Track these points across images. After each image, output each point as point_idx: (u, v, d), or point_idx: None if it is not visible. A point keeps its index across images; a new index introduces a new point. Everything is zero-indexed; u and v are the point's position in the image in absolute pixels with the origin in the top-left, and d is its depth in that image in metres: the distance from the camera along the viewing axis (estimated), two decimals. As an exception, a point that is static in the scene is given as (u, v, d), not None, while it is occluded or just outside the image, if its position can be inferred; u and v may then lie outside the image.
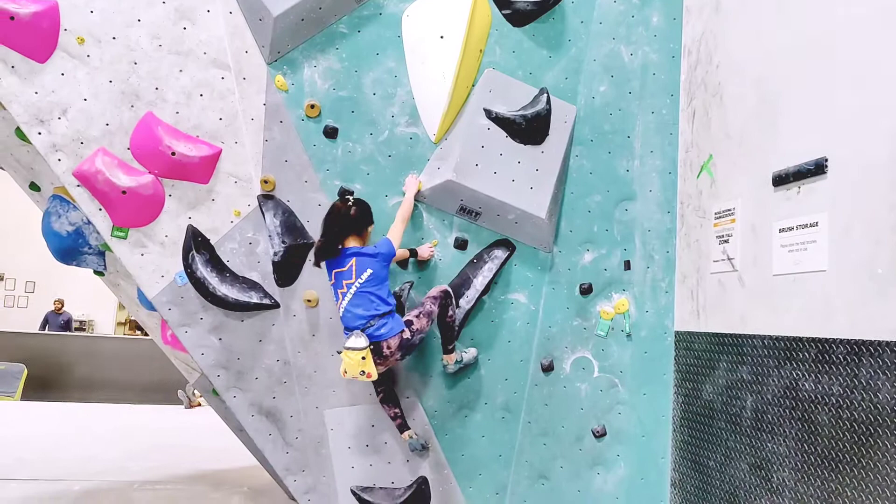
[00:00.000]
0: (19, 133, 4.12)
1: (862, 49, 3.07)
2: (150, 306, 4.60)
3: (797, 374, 3.31)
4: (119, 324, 16.71)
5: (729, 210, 3.90)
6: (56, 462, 6.35)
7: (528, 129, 4.29)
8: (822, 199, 3.22)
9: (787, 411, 3.36)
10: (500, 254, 4.37)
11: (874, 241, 2.93)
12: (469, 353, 4.27)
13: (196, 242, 4.05)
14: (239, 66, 4.08)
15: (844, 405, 3.02)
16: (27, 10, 3.70)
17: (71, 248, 4.51)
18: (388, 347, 3.84)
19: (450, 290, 4.16)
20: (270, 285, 4.16)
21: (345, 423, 4.28)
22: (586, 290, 4.44)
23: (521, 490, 4.41)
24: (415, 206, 4.21)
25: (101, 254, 4.65)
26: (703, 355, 4.09)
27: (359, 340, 3.75)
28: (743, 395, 3.69)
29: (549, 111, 4.31)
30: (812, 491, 3.17)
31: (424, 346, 4.31)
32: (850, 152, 3.09)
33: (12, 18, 3.67)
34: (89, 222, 4.42)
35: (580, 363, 4.45)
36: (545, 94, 4.33)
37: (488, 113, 4.28)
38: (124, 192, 3.90)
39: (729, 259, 3.87)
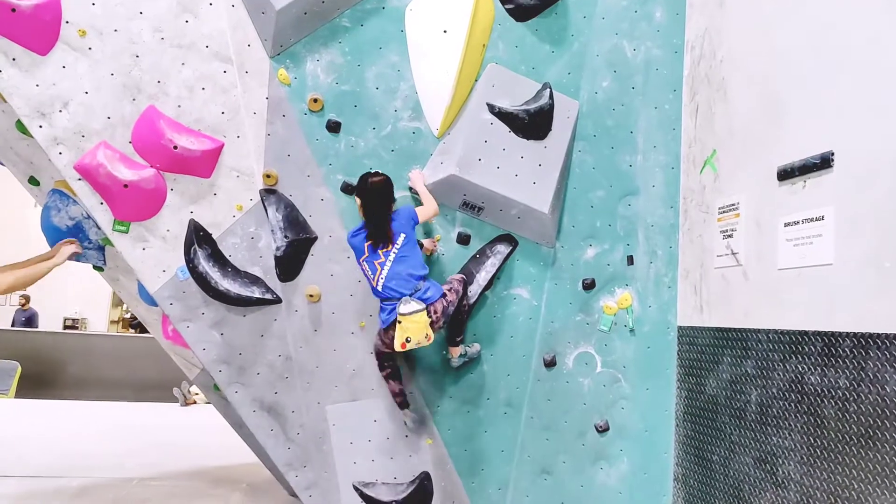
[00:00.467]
0: (20, 126, 4.09)
1: (868, 42, 3.08)
2: (151, 301, 4.57)
3: (803, 368, 3.31)
4: (112, 322, 16.64)
5: (733, 205, 3.91)
6: (53, 459, 6.30)
7: (531, 124, 4.29)
8: (829, 193, 3.23)
9: (792, 405, 3.37)
10: (502, 249, 4.37)
11: (881, 235, 2.93)
12: (473, 348, 4.27)
13: (198, 237, 4.02)
14: (241, 59, 4.06)
15: (851, 398, 3.03)
16: (29, 2, 3.67)
17: (71, 242, 4.47)
18: (435, 312, 3.85)
19: (465, 279, 4.18)
20: (272, 280, 4.14)
21: (347, 418, 4.27)
22: (589, 286, 4.44)
23: (523, 485, 4.41)
24: (415, 201, 4.20)
25: (101, 248, 4.61)
26: (706, 350, 4.09)
27: (413, 304, 3.77)
28: (747, 390, 3.70)
29: (551, 106, 4.31)
30: (818, 484, 3.18)
31: (427, 341, 4.30)
32: (857, 146, 3.10)
33: (14, 10, 3.63)
34: (89, 217, 4.39)
35: (583, 358, 4.44)
36: (548, 89, 4.32)
37: (491, 108, 4.27)
38: (126, 186, 3.87)
39: (733, 254, 3.87)
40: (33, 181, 4.65)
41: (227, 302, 4.06)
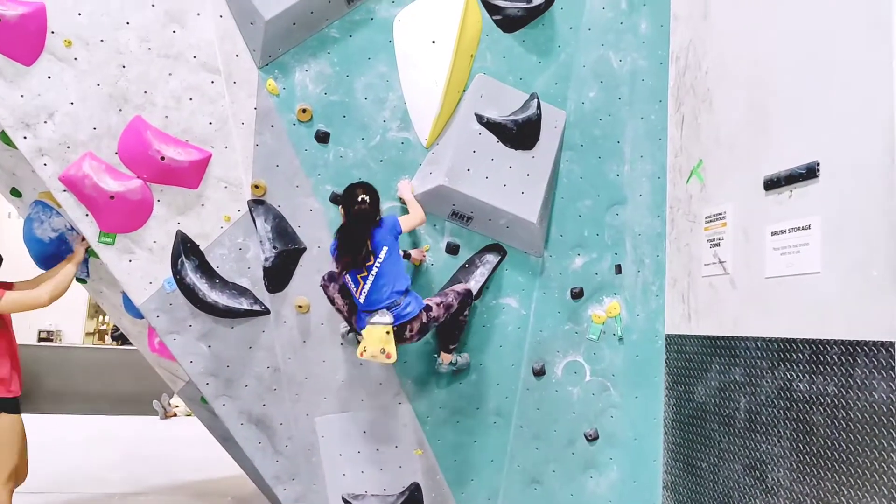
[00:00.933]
0: (4, 137, 4.03)
1: (852, 54, 3.14)
2: (136, 313, 4.52)
3: (791, 375, 3.35)
4: (88, 333, 16.39)
5: (720, 214, 3.96)
6: (32, 474, 6.18)
7: (519, 134, 4.31)
8: (815, 202, 3.28)
9: (781, 412, 3.41)
10: (491, 258, 4.38)
11: (868, 244, 2.98)
12: (463, 359, 4.27)
13: (185, 248, 3.99)
14: (229, 70, 4.04)
15: (839, 405, 3.07)
16: (13, 11, 3.63)
17: (54, 254, 4.39)
18: (411, 330, 3.84)
19: (472, 291, 4.15)
20: (261, 291, 4.12)
21: (336, 430, 4.25)
22: (577, 295, 4.46)
23: (513, 495, 4.41)
24: (404, 211, 4.20)
25: (85, 260, 4.54)
26: (694, 358, 4.13)
27: (384, 317, 3.74)
28: (736, 397, 3.74)
29: (539, 116, 4.33)
30: (807, 490, 3.21)
31: (416, 351, 4.30)
32: (842, 157, 3.15)
33: (-2, 20, 3.59)
34: (72, 228, 4.33)
35: (572, 367, 4.46)
36: (535, 100, 4.35)
37: (480, 118, 4.29)
38: (112, 198, 3.83)
39: (720, 262, 3.92)
40: (15, 192, 4.57)
41: (214, 314, 4.03)
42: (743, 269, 3.76)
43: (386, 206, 4.21)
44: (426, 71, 4.22)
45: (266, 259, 4.08)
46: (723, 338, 3.88)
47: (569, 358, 4.46)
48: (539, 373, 4.43)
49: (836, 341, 3.10)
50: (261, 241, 4.08)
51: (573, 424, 4.45)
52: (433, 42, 4.21)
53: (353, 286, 3.82)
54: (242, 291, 4.09)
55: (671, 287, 4.44)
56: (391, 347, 3.72)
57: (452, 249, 4.35)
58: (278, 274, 4.12)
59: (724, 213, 3.92)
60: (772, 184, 3.55)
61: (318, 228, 4.19)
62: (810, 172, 3.30)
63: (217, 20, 4.02)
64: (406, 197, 4.14)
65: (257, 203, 4.10)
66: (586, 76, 4.50)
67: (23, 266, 4.56)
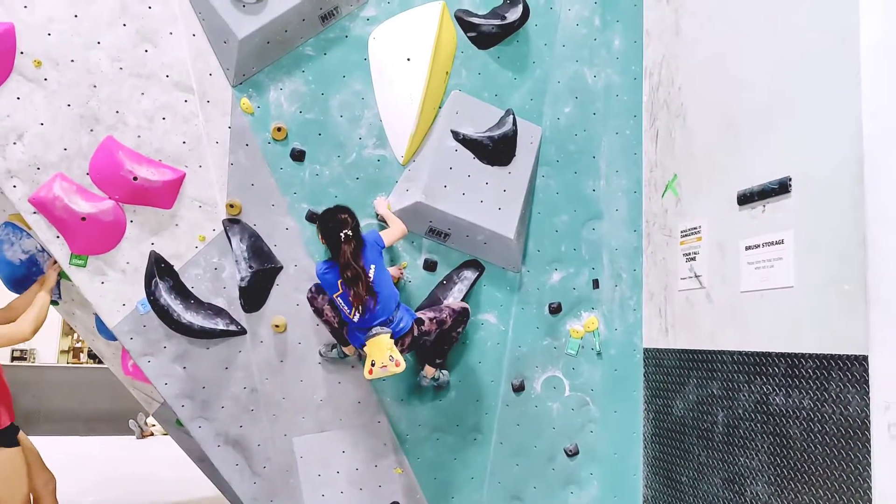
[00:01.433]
0: (-29, 159, 3.95)
1: (821, 71, 3.18)
2: (110, 336, 4.45)
3: (767, 389, 3.38)
4: (62, 351, 16.13)
5: (695, 228, 3.98)
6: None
7: (495, 150, 4.32)
8: (788, 217, 3.32)
9: (758, 425, 3.43)
10: (469, 275, 4.37)
11: (840, 258, 3.02)
12: (444, 376, 4.25)
13: (159, 269, 3.94)
14: (203, 88, 4.01)
15: (815, 418, 3.09)
16: (-19, 31, 3.57)
17: (24, 276, 4.32)
18: (402, 345, 3.86)
19: (469, 310, 4.15)
20: (237, 311, 4.07)
21: (314, 450, 4.20)
22: (555, 310, 4.47)
23: (494, 512, 4.39)
24: (381, 227, 4.18)
25: (57, 282, 4.47)
26: (672, 372, 4.15)
27: (384, 329, 3.76)
28: (714, 411, 3.75)
29: (515, 132, 4.35)
30: (786, 504, 3.23)
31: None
32: (814, 172, 3.19)
33: (-36, 40, 3.54)
34: (43, 250, 4.26)
35: (551, 382, 4.46)
36: (511, 116, 4.36)
37: (455, 135, 4.30)
38: (83, 219, 3.77)
39: (696, 276, 3.94)
40: (-17, 214, 4.49)
41: (189, 335, 3.97)
42: (718, 284, 3.78)
43: (364, 223, 4.18)
44: (401, 88, 4.22)
45: (242, 278, 4.04)
46: (700, 352, 3.90)
47: (548, 373, 4.46)
48: (518, 388, 4.42)
49: (810, 355, 3.13)
50: (236, 261, 4.05)
51: (553, 440, 4.45)
52: (408, 59, 4.21)
53: (345, 307, 3.79)
54: (218, 312, 4.04)
55: (648, 301, 4.46)
56: (398, 354, 3.74)
57: (430, 266, 4.33)
58: (254, 293, 4.08)
59: (699, 227, 3.95)
60: (745, 198, 3.58)
61: (294, 247, 4.16)
62: (783, 187, 3.34)
63: (190, 39, 3.99)
64: (383, 213, 4.12)
65: (232, 222, 4.07)
66: (561, 92, 4.52)
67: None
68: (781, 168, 3.36)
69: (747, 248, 3.56)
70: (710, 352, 3.81)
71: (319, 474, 4.20)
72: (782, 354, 3.29)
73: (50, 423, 10.63)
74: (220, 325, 4.01)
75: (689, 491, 3.94)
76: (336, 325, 3.96)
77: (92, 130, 3.84)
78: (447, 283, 4.34)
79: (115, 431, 10.26)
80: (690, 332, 4.01)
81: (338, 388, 4.20)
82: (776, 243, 3.37)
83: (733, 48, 3.76)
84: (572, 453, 4.44)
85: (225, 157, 4.05)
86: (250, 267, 4.04)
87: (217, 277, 4.06)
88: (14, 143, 3.70)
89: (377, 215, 4.20)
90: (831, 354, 3.02)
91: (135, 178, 3.82)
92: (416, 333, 3.89)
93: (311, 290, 3.98)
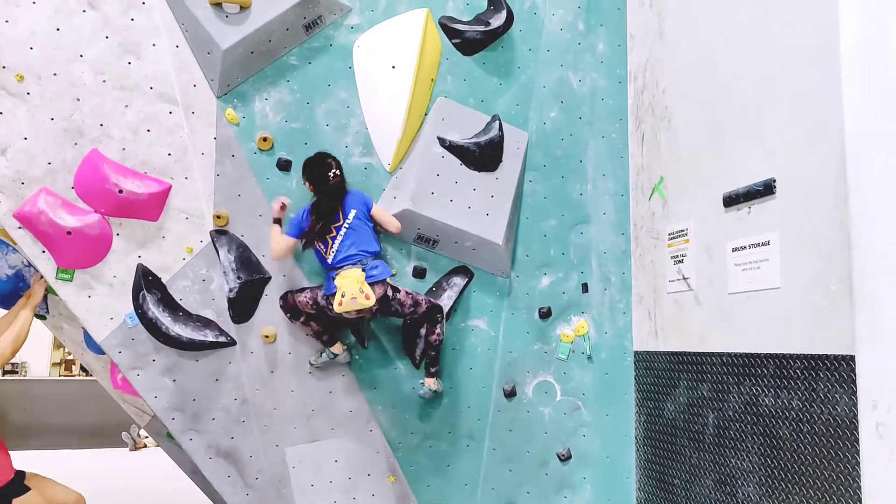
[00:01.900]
0: (-45, 175, 3.93)
1: (804, 73, 3.20)
2: (98, 350, 4.42)
3: (757, 390, 3.38)
4: (54, 364, 16.04)
5: (682, 231, 3.99)
6: (-5, 517, 6.00)
7: (482, 156, 4.32)
8: (773, 218, 3.33)
9: (748, 427, 3.43)
10: (458, 281, 4.37)
11: (825, 259, 3.03)
12: (439, 384, 4.24)
13: (147, 282, 3.92)
14: (187, 100, 4.00)
15: (804, 419, 3.10)
16: (-38, 47, 3.55)
17: (11, 292, 4.29)
18: (376, 295, 3.84)
19: (444, 308, 4.18)
20: (226, 322, 4.06)
21: (307, 460, 4.19)
22: (545, 314, 4.47)
23: (488, 518, 4.38)
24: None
25: (44, 297, 4.44)
26: (663, 374, 4.15)
27: (354, 269, 3.80)
28: (704, 413, 3.76)
29: (501, 138, 4.35)
30: (777, 504, 3.23)
31: (386, 377, 4.26)
32: (798, 173, 3.21)
33: (-54, 56, 3.52)
34: (30, 265, 4.24)
35: (542, 387, 4.46)
36: (497, 121, 4.37)
37: (442, 141, 4.30)
38: (69, 233, 3.75)
39: (684, 279, 3.95)
40: (-31, 229, 4.47)
41: (178, 347, 3.95)
42: (706, 286, 3.79)
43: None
44: (387, 96, 4.22)
45: (230, 289, 4.02)
46: (689, 354, 3.90)
47: (539, 378, 4.46)
48: (510, 394, 4.42)
49: (798, 356, 3.14)
50: (224, 272, 4.03)
51: (546, 445, 4.44)
52: (393, 67, 4.21)
53: (322, 247, 3.92)
54: (207, 323, 4.02)
55: (637, 304, 4.47)
56: (368, 289, 3.75)
57: (419, 273, 4.33)
58: (243, 304, 4.07)
59: (686, 229, 3.96)
60: (731, 200, 3.59)
61: (282, 257, 4.15)
62: (767, 189, 3.35)
63: (173, 50, 3.98)
64: (377, 212, 4.10)
65: (220, 233, 4.05)
66: (546, 97, 4.53)
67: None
68: (766, 169, 3.38)
69: (734, 249, 3.57)
70: (699, 354, 3.82)
71: (312, 484, 4.18)
72: (771, 355, 3.30)
73: (42, 437, 10.57)
74: (210, 336, 4.00)
75: (681, 493, 3.94)
76: (313, 311, 3.96)
77: (76, 144, 3.82)
78: (437, 290, 4.34)
79: (108, 444, 10.20)
80: (680, 334, 4.01)
81: (329, 397, 4.19)
82: (762, 244, 3.38)
83: (716, 51, 3.78)
84: (565, 458, 4.44)
85: (211, 168, 4.03)
86: (238, 278, 4.03)
87: (205, 289, 4.04)
88: (-3, 159, 3.68)
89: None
90: (819, 355, 3.03)
91: (120, 191, 3.80)
92: (389, 293, 3.90)
93: (281, 298, 4.06)
